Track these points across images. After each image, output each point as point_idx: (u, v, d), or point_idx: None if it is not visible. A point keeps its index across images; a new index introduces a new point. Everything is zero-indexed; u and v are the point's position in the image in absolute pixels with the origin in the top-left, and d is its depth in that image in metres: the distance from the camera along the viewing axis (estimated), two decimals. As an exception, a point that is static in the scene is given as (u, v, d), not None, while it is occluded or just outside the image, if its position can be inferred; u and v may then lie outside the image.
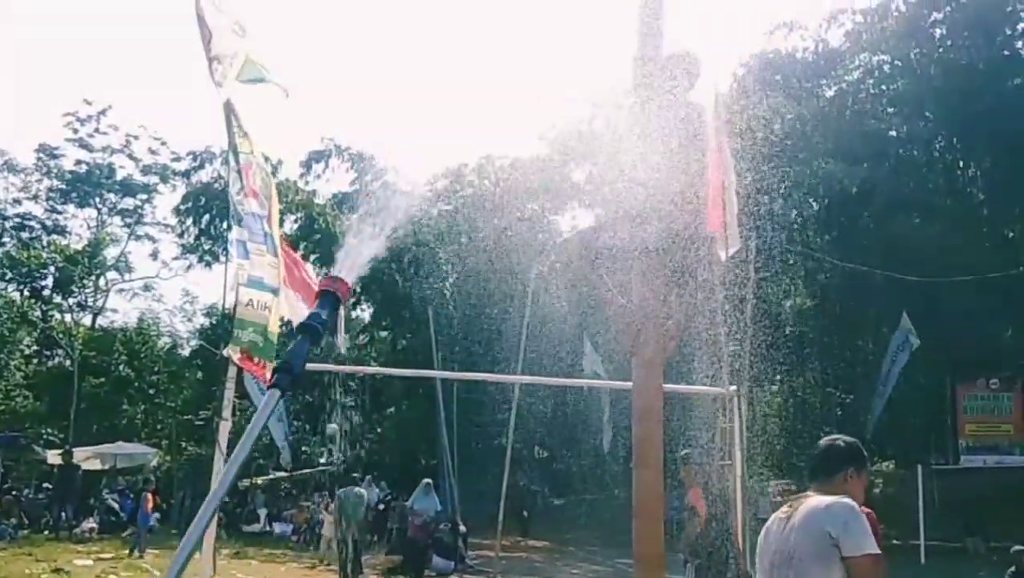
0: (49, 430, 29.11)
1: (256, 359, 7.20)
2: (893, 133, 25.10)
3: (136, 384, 31.88)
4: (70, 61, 55.73)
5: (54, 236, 34.93)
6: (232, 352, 7.09)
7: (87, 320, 35.23)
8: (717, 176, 5.39)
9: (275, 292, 7.32)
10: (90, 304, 35.44)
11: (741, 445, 7.40)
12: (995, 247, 23.94)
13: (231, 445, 7.68)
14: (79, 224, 35.63)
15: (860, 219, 23.32)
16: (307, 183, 33.37)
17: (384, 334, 32.22)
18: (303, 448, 28.93)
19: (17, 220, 34.29)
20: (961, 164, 25.96)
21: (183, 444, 28.48)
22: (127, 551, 15.33)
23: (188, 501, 22.46)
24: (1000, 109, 21.41)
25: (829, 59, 25.78)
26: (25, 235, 34.39)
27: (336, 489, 15.71)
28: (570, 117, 30.75)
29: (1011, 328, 22.67)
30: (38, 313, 33.49)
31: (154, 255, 36.55)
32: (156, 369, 33.14)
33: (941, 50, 24.89)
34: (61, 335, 33.37)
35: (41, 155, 33.97)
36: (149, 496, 16.87)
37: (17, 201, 34.27)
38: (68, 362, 31.59)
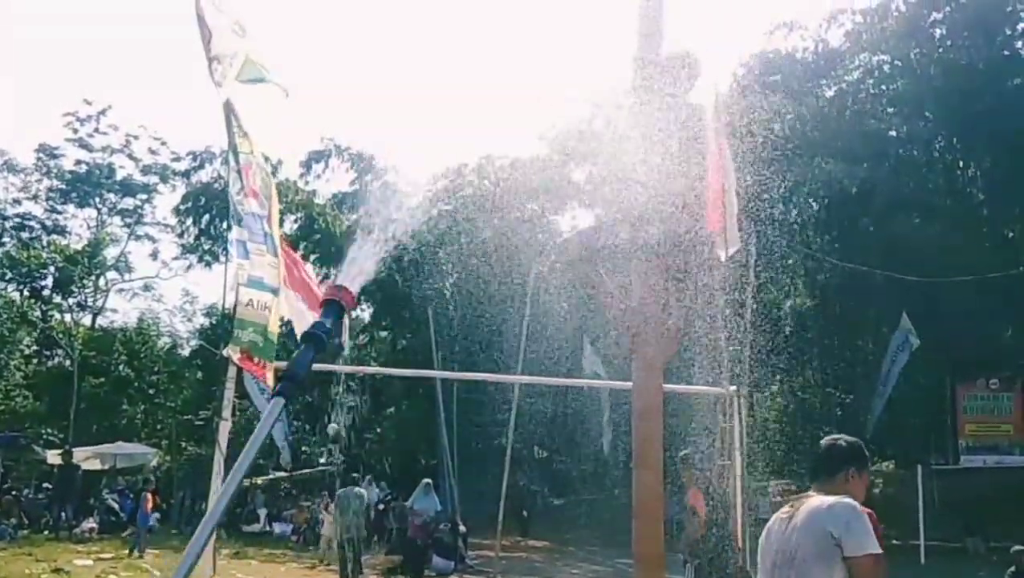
0: (49, 430, 29.12)
1: (256, 359, 7.21)
2: (893, 133, 25.09)
3: (136, 384, 31.90)
4: (70, 61, 55.79)
5: (54, 236, 34.96)
6: (232, 352, 7.09)
7: (87, 320, 35.29)
8: (717, 177, 5.39)
9: (275, 292, 7.32)
10: (90, 304, 35.47)
11: (741, 445, 7.41)
12: (995, 247, 23.93)
13: (231, 445, 7.68)
14: (79, 224, 35.73)
15: (860, 219, 23.32)
16: (307, 183, 33.41)
17: (384, 334, 32.21)
18: (303, 448, 28.93)
19: (17, 220, 34.33)
20: (961, 164, 25.95)
21: (183, 444, 28.48)
22: (127, 551, 15.32)
23: (188, 501, 22.47)
24: (1000, 109, 21.41)
25: (829, 59, 25.76)
26: (25, 235, 34.42)
27: (336, 489, 15.71)
28: (570, 117, 30.69)
29: (1011, 328, 22.66)
30: (38, 313, 33.51)
31: (154, 255, 36.64)
32: (156, 369, 33.17)
33: (941, 50, 24.88)
34: (61, 335, 33.38)
35: (41, 155, 34.02)
36: (149, 496, 16.87)
37: (17, 201, 34.37)
38: (68, 362, 31.60)
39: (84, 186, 34.46)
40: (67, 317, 34.81)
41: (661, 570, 4.18)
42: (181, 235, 34.93)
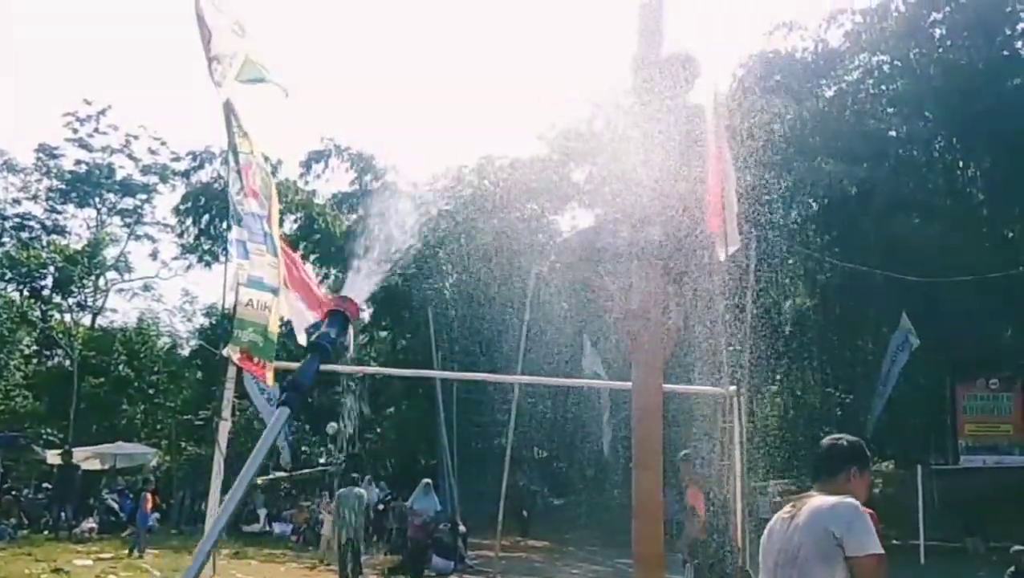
0: (49, 430, 29.13)
1: (256, 359, 7.20)
2: (893, 133, 25.09)
3: (136, 384, 31.90)
4: (70, 61, 55.84)
5: (54, 236, 34.97)
6: (232, 352, 7.09)
7: (87, 320, 35.30)
8: (717, 177, 5.39)
9: (275, 292, 7.32)
10: (90, 304, 35.48)
11: (741, 445, 7.40)
12: (995, 247, 23.93)
13: (231, 445, 7.68)
14: (79, 224, 35.74)
15: (860, 219, 23.30)
16: (307, 183, 33.45)
17: (384, 334, 32.22)
18: (303, 448, 28.93)
19: (17, 220, 34.33)
20: (961, 164, 25.95)
21: (183, 444, 28.48)
22: (127, 551, 15.33)
23: (188, 501, 22.48)
24: (1000, 109, 21.40)
25: (829, 59, 25.76)
26: (25, 235, 34.42)
27: (336, 489, 15.70)
28: (570, 117, 30.76)
29: (1011, 328, 22.66)
30: (38, 313, 33.52)
31: (154, 255, 36.66)
32: (156, 369, 33.17)
33: (941, 50, 24.88)
34: (61, 335, 33.38)
35: (41, 155, 34.03)
36: (148, 496, 16.88)
37: (17, 201, 34.38)
38: (68, 362, 31.61)
39: (84, 186, 34.47)
40: (67, 317, 34.83)
41: (661, 570, 4.18)
42: (181, 235, 34.98)
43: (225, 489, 7.23)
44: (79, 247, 34.69)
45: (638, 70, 4.26)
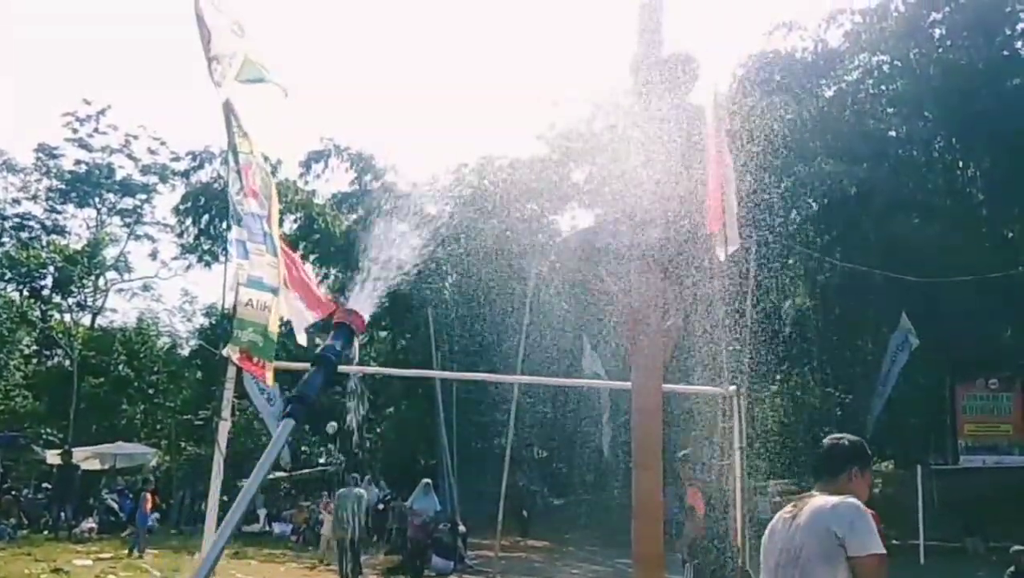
0: (48, 430, 29.14)
1: (256, 359, 7.18)
2: (893, 133, 25.09)
3: (136, 384, 31.90)
4: (70, 61, 55.86)
5: (53, 236, 34.97)
6: (232, 352, 7.07)
7: (86, 320, 35.31)
8: (716, 176, 5.38)
9: (275, 292, 7.31)
10: (89, 304, 35.48)
11: (741, 445, 7.39)
12: (995, 247, 23.93)
13: (230, 445, 7.67)
14: (78, 224, 35.76)
15: (860, 219, 23.31)
16: (307, 183, 33.40)
17: (384, 334, 32.22)
18: (303, 448, 28.94)
19: (16, 220, 34.34)
20: (961, 164, 25.95)
21: (182, 444, 28.49)
22: (126, 551, 15.34)
23: (187, 501, 22.49)
24: (999, 109, 21.40)
25: (828, 59, 25.76)
26: (24, 235, 34.43)
27: (336, 489, 15.71)
28: (570, 117, 30.72)
29: (1011, 328, 22.66)
30: (38, 313, 33.53)
31: (153, 255, 36.67)
32: (156, 369, 33.18)
33: (940, 50, 24.88)
34: (61, 335, 33.38)
35: (40, 155, 34.03)
36: (148, 496, 16.89)
37: (16, 201, 34.39)
38: (68, 362, 31.61)
39: (84, 186, 34.47)
40: (67, 317, 34.83)
41: (661, 570, 4.18)
42: (181, 235, 34.97)
43: (225, 489, 7.23)
44: (79, 247, 34.70)
45: (638, 70, 4.27)
